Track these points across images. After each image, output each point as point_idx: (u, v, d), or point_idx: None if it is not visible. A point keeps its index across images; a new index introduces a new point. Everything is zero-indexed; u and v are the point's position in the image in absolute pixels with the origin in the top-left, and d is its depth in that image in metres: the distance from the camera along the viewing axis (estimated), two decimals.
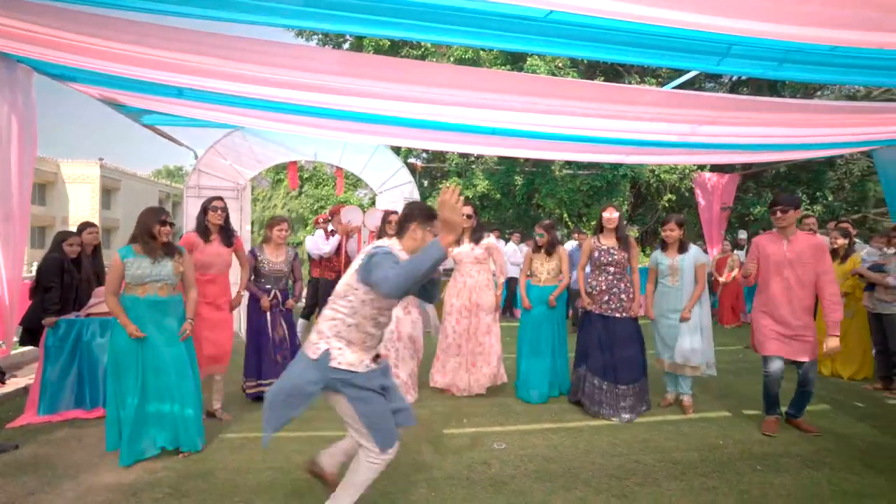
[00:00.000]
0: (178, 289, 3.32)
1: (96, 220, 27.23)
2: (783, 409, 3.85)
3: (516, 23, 2.95)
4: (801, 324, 3.55)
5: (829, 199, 13.02)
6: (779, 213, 3.61)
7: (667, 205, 13.04)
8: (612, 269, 4.20)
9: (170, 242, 3.25)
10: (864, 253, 4.99)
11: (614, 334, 4.12)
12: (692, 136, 5.24)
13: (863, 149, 6.84)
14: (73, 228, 4.55)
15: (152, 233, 3.15)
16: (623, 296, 4.15)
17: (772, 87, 12.58)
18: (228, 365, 3.91)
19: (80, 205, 28.89)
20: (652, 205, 13.60)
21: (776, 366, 3.66)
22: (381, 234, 4.55)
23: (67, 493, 2.69)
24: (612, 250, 4.22)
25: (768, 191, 13.53)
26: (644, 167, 11.67)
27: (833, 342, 3.42)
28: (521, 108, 4.41)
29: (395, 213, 4.60)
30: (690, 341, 4.08)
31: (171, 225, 3.25)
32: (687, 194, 12.75)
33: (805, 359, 3.57)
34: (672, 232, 4.20)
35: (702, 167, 10.74)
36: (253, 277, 4.16)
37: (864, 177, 12.73)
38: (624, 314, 4.13)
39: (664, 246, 4.30)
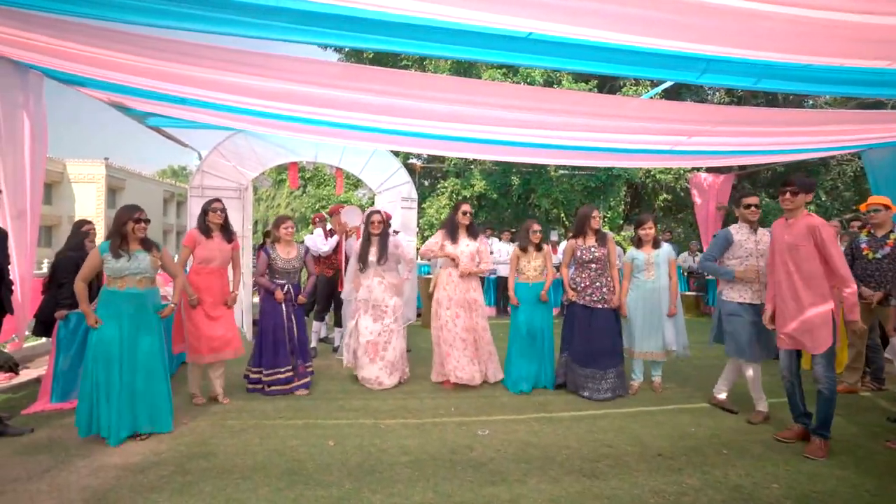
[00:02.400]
0: (155, 282, 3.57)
1: (101, 219, 27.57)
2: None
3: (502, 41, 3.16)
4: (804, 315, 3.25)
5: (823, 198, 13.16)
6: (788, 195, 3.36)
7: (662, 204, 13.18)
8: (594, 265, 4.47)
9: (146, 238, 3.47)
10: None
11: (596, 323, 4.40)
12: (681, 145, 5.43)
13: (853, 150, 7.05)
14: None
15: (123, 231, 3.35)
16: (605, 289, 4.44)
17: (766, 93, 12.71)
18: (239, 349, 4.16)
19: (86, 204, 29.21)
20: (648, 204, 13.76)
21: (782, 360, 3.52)
22: (365, 232, 4.78)
23: (81, 469, 2.92)
24: (592, 248, 4.46)
25: (763, 191, 13.67)
26: (636, 169, 11.82)
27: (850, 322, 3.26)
28: (513, 123, 4.65)
29: (378, 212, 4.82)
30: (674, 329, 4.48)
31: (147, 222, 3.46)
32: (682, 194, 12.90)
33: (813, 351, 3.27)
34: (650, 230, 4.50)
35: (697, 168, 10.87)
36: (268, 275, 4.42)
37: (856, 177, 12.85)
38: (605, 305, 4.41)
39: (640, 243, 4.54)
